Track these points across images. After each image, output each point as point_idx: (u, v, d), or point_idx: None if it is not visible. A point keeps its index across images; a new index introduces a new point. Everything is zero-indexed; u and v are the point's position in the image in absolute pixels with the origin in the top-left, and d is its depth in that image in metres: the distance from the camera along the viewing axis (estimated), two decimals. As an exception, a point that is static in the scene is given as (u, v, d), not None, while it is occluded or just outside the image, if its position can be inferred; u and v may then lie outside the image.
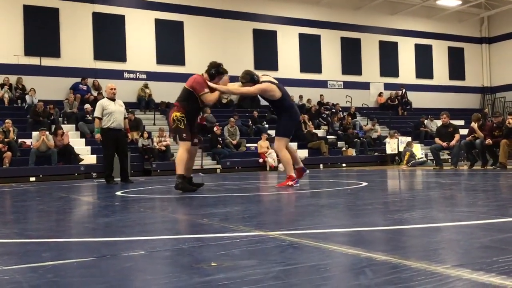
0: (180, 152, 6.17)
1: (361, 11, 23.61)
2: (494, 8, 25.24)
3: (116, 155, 9.68)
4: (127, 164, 9.96)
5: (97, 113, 9.23)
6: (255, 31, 21.26)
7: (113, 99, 9.38)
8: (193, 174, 12.19)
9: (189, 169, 6.50)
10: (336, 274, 1.82)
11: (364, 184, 6.92)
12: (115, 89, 9.51)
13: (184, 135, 6.15)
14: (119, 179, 9.79)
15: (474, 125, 12.19)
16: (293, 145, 17.59)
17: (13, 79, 16.85)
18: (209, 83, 6.24)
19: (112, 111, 9.18)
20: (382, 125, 21.41)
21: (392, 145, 17.63)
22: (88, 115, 16.02)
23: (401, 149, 17.24)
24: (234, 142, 16.75)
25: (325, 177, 10.07)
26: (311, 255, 2.11)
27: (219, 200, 5.12)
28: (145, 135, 15.44)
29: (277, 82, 6.60)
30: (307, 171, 7.05)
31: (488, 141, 11.29)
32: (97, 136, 9.24)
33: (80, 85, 17.57)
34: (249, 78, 6.48)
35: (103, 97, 17.07)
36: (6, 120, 14.00)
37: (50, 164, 13.59)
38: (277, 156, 7.05)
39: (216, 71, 6.34)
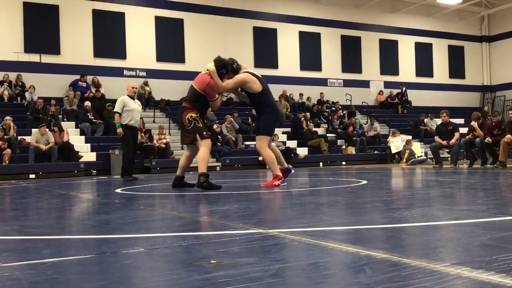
0: (203, 150, 6.06)
1: (361, 9, 23.60)
2: (494, 7, 25.22)
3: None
4: (134, 163, 10.07)
5: (117, 109, 9.43)
6: (255, 29, 21.25)
7: (133, 98, 9.58)
8: (192, 172, 12.20)
9: (185, 168, 6.48)
10: (336, 272, 1.82)
11: (364, 182, 6.92)
12: (136, 87, 9.84)
13: (204, 133, 6.12)
14: (119, 176, 9.84)
15: (474, 123, 12.20)
16: (293, 143, 17.61)
17: (12, 76, 16.84)
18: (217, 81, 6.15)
19: (132, 109, 9.42)
20: (382, 124, 21.42)
21: (396, 144, 17.62)
22: (88, 113, 16.02)
23: (401, 147, 17.25)
24: (234, 138, 16.77)
25: (325, 175, 10.07)
26: (311, 253, 2.11)
27: (219, 198, 5.12)
28: (146, 134, 15.44)
29: (259, 76, 6.39)
30: (292, 170, 6.90)
31: (488, 139, 11.30)
32: (119, 130, 9.41)
33: (80, 82, 17.57)
34: (229, 68, 6.26)
35: (102, 94, 17.27)
36: (6, 117, 13.99)
37: (49, 161, 13.59)
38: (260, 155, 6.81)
39: (226, 71, 6.23)
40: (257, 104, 6.41)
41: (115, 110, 9.56)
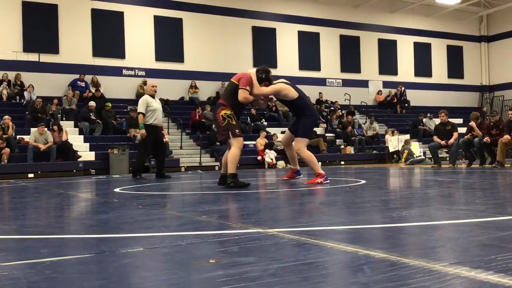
0: (233, 150, 6.18)
1: (360, 9, 23.61)
2: (493, 7, 25.25)
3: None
4: (164, 161, 10.09)
5: (141, 109, 9.38)
6: (254, 29, 21.25)
7: (153, 96, 9.59)
8: (191, 172, 12.16)
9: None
10: (335, 272, 1.82)
11: (363, 182, 6.92)
12: (156, 86, 9.86)
13: (237, 130, 6.25)
14: (118, 175, 9.85)
15: (473, 123, 12.21)
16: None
17: (11, 75, 16.83)
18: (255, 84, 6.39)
19: (155, 108, 9.45)
20: (380, 123, 21.43)
21: (393, 143, 17.64)
22: (91, 114, 16.01)
23: (399, 147, 17.26)
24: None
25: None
26: (310, 252, 2.12)
27: (218, 197, 5.12)
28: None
29: (291, 83, 6.73)
30: (301, 175, 7.11)
31: (486, 139, 11.31)
32: (142, 131, 9.37)
33: (78, 82, 17.56)
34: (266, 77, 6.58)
35: (101, 94, 17.26)
36: (5, 116, 13.98)
37: (48, 160, 13.58)
38: (296, 156, 7.10)
39: (266, 76, 6.46)
40: (296, 108, 6.75)
41: (139, 110, 9.46)
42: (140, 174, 9.56)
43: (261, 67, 6.65)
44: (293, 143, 6.75)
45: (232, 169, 6.09)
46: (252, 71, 6.55)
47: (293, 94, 6.57)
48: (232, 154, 6.15)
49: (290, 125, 7.23)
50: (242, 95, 6.30)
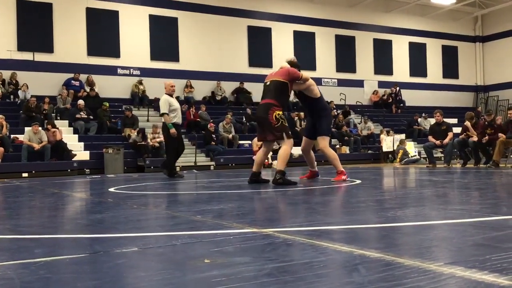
0: (286, 148, 6.32)
1: (356, 9, 23.64)
2: (488, 7, 25.34)
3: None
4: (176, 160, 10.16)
5: (165, 109, 9.32)
6: (250, 28, 21.24)
7: (171, 96, 9.61)
8: (186, 171, 12.20)
9: (261, 164, 6.72)
10: (330, 271, 1.82)
11: (358, 181, 6.93)
12: (175, 86, 9.91)
13: (290, 132, 6.40)
14: (113, 175, 9.84)
15: (468, 123, 12.25)
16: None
17: (6, 74, 16.76)
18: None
19: (176, 108, 9.47)
20: (375, 123, 21.48)
21: (388, 143, 17.68)
22: (81, 112, 15.96)
23: (395, 147, 17.31)
24: (230, 136, 16.77)
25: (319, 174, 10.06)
26: (305, 252, 2.11)
27: (213, 197, 5.11)
28: (140, 133, 15.39)
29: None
30: (319, 176, 7.31)
31: (485, 138, 11.36)
32: (173, 130, 9.27)
33: (73, 81, 17.50)
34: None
35: (96, 93, 17.22)
36: (-1, 116, 13.93)
37: (42, 160, 13.54)
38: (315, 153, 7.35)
39: (298, 69, 6.62)
40: (315, 107, 6.92)
41: (162, 111, 9.35)
42: (176, 172, 9.74)
43: (290, 60, 6.77)
44: (317, 141, 6.98)
45: (281, 166, 6.22)
46: (285, 64, 6.66)
47: (317, 92, 6.79)
48: (284, 152, 6.29)
49: (305, 132, 7.33)
50: (307, 75, 6.55)
